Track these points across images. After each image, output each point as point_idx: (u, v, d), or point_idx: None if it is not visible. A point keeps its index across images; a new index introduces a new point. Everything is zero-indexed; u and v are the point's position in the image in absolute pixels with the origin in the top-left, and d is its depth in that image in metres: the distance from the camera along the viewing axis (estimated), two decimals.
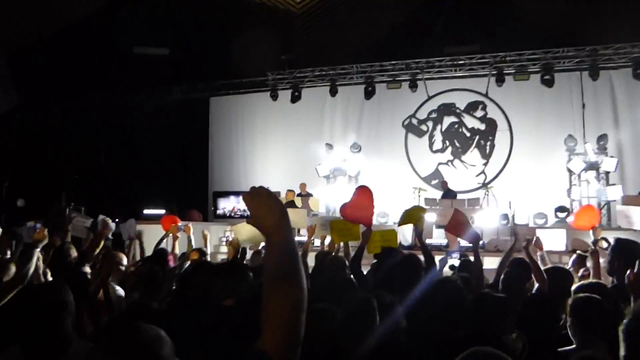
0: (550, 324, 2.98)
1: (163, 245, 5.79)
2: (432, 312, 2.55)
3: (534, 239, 4.80)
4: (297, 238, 6.60)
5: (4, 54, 8.99)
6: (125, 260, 4.73)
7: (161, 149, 13.95)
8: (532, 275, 3.94)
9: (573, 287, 3.23)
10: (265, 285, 1.29)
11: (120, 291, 4.17)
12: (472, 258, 4.84)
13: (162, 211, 11.48)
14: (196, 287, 3.26)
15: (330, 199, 12.03)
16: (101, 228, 5.45)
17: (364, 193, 4.91)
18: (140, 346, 1.26)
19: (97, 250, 5.03)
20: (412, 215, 4.92)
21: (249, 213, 1.35)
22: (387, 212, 11.20)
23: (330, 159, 12.50)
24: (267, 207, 1.32)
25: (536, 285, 3.88)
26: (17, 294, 2.85)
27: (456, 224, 4.91)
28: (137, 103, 14.08)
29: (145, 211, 11.95)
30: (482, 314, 2.70)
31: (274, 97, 13.31)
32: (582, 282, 3.51)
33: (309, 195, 11.71)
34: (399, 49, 12.67)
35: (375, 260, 4.55)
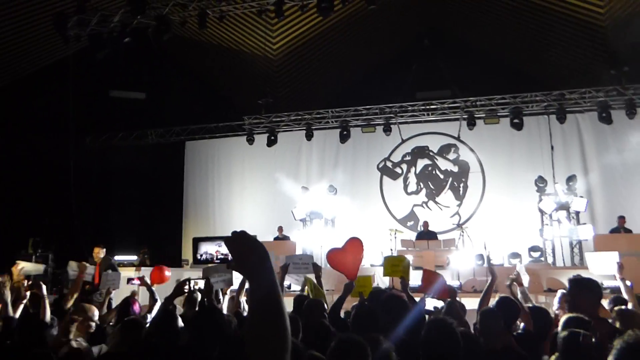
0: None
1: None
2: (430, 354, 2.49)
3: (515, 276, 4.82)
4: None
5: None
6: (97, 314, 4.54)
7: (135, 193, 13.78)
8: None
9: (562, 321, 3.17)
10: (249, 327, 1.30)
11: (95, 348, 4.00)
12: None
13: (134, 257, 11.22)
14: (163, 334, 3.20)
15: (306, 242, 11.94)
16: (79, 273, 5.34)
17: (356, 247, 4.99)
18: None
19: (75, 296, 4.91)
20: (398, 267, 4.99)
21: (230, 257, 1.36)
22: (364, 255, 11.11)
23: (306, 202, 12.49)
24: (249, 251, 1.34)
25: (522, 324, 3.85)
26: None
27: (428, 284, 4.98)
28: (112, 146, 13.98)
29: (117, 257, 11.65)
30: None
31: (250, 141, 13.37)
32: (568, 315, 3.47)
33: (285, 238, 11.61)
34: (373, 94, 13.01)
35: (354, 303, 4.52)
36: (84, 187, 11.66)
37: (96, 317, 4.46)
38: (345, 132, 12.89)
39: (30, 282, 4.86)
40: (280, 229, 11.79)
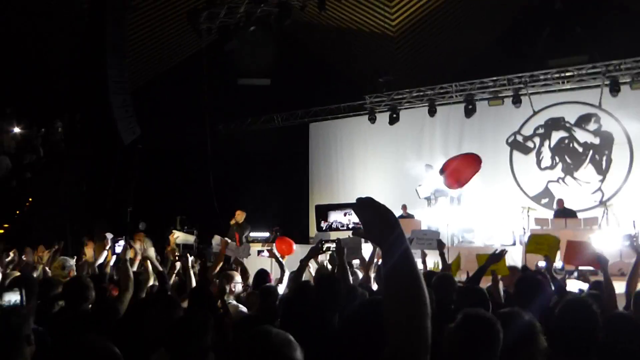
0: None
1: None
2: (558, 336, 2.35)
3: None
4: None
5: (128, 91, 10.01)
6: (239, 279, 4.96)
7: (265, 174, 14.56)
8: None
9: None
10: (385, 294, 1.28)
11: (242, 308, 4.38)
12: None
13: (267, 234, 11.91)
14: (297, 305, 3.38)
15: (431, 220, 11.74)
16: (221, 247, 5.83)
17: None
18: (273, 347, 1.34)
19: (219, 267, 5.38)
20: (544, 245, 4.67)
21: (360, 224, 1.35)
22: (493, 234, 10.71)
23: (430, 180, 12.23)
24: (378, 216, 1.31)
25: None
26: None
27: (573, 255, 4.58)
28: (242, 131, 14.91)
29: (251, 234, 12.46)
30: (617, 338, 2.47)
31: (372, 119, 13.39)
32: None
33: (410, 216, 11.54)
34: (499, 64, 12.24)
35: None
36: (220, 170, 12.61)
37: (239, 280, 4.89)
38: (470, 106, 12.36)
39: (178, 254, 5.42)
40: (404, 207, 11.73)
